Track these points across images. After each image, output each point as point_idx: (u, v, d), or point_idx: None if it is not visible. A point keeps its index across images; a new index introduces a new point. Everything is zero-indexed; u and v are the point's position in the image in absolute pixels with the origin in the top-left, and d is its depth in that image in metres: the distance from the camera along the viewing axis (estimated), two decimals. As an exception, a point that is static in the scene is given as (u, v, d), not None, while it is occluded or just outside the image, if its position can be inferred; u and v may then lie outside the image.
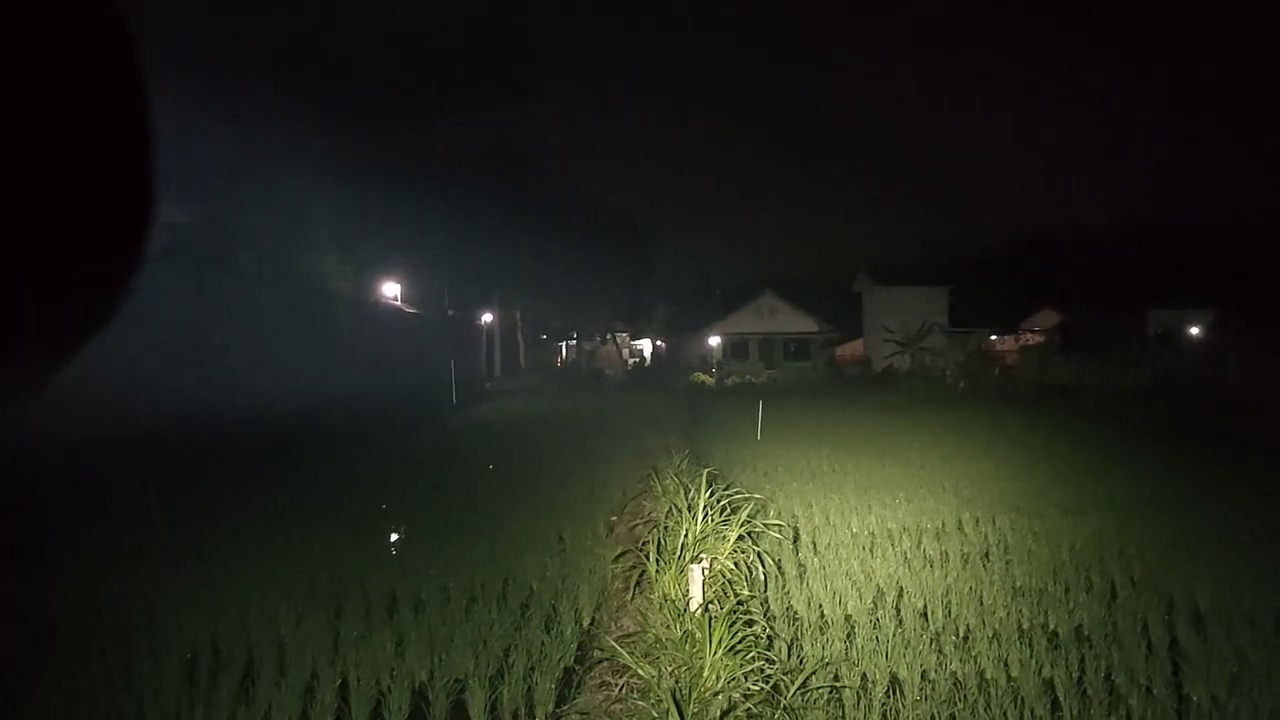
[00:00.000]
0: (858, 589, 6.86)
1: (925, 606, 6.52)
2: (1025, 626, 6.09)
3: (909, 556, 7.95)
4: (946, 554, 8.01)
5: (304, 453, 16.18)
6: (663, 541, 6.75)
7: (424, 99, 50.79)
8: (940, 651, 5.56)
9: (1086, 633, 5.92)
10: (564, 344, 76.58)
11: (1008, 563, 7.69)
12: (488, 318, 52.33)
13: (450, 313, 45.88)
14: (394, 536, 8.59)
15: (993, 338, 57.18)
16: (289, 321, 22.08)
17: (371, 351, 28.87)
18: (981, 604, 6.51)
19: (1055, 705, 4.84)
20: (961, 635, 5.93)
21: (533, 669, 5.05)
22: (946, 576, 7.19)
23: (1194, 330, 49.01)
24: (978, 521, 9.37)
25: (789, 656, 5.41)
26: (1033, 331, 56.76)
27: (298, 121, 42.19)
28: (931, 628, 6.05)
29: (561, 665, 5.17)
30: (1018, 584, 6.99)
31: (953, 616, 6.28)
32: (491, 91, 52.63)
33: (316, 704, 4.69)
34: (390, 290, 37.55)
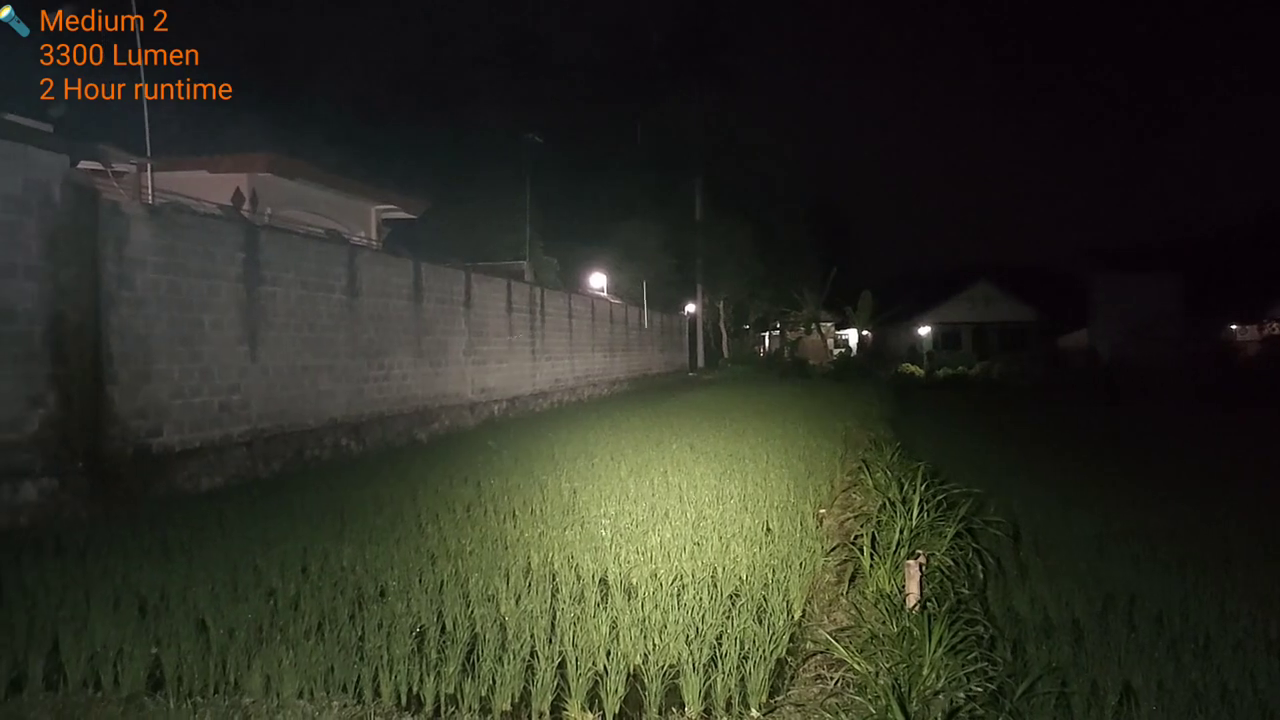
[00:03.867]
0: (1085, 591, 6.51)
1: (1161, 613, 6.11)
2: (1274, 636, 5.62)
3: (1140, 559, 7.49)
4: (1185, 558, 7.49)
5: (511, 439, 16.74)
6: (876, 536, 6.61)
7: (627, 90, 51.72)
8: (1178, 660, 5.20)
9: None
10: (766, 334, 76.11)
11: (1254, 567, 7.12)
12: (691, 308, 52.67)
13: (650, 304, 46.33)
14: (604, 522, 8.75)
15: (1233, 327, 53.07)
16: (500, 312, 22.89)
17: (578, 340, 29.61)
18: (1223, 611, 6.05)
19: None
20: (1201, 643, 5.53)
21: (745, 658, 5.03)
22: (1185, 580, 6.73)
23: None
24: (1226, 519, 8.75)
25: (1013, 659, 5.19)
26: (1280, 321, 52.06)
27: (504, 115, 43.79)
28: (1168, 634, 5.68)
29: (774, 657, 5.13)
30: (1266, 590, 6.47)
31: (1190, 623, 5.86)
32: (693, 80, 52.95)
33: (537, 681, 4.83)
34: (597, 281, 38.32)
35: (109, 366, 10.56)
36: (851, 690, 4.51)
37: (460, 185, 37.76)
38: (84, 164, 13.99)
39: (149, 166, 13.87)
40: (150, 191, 13.55)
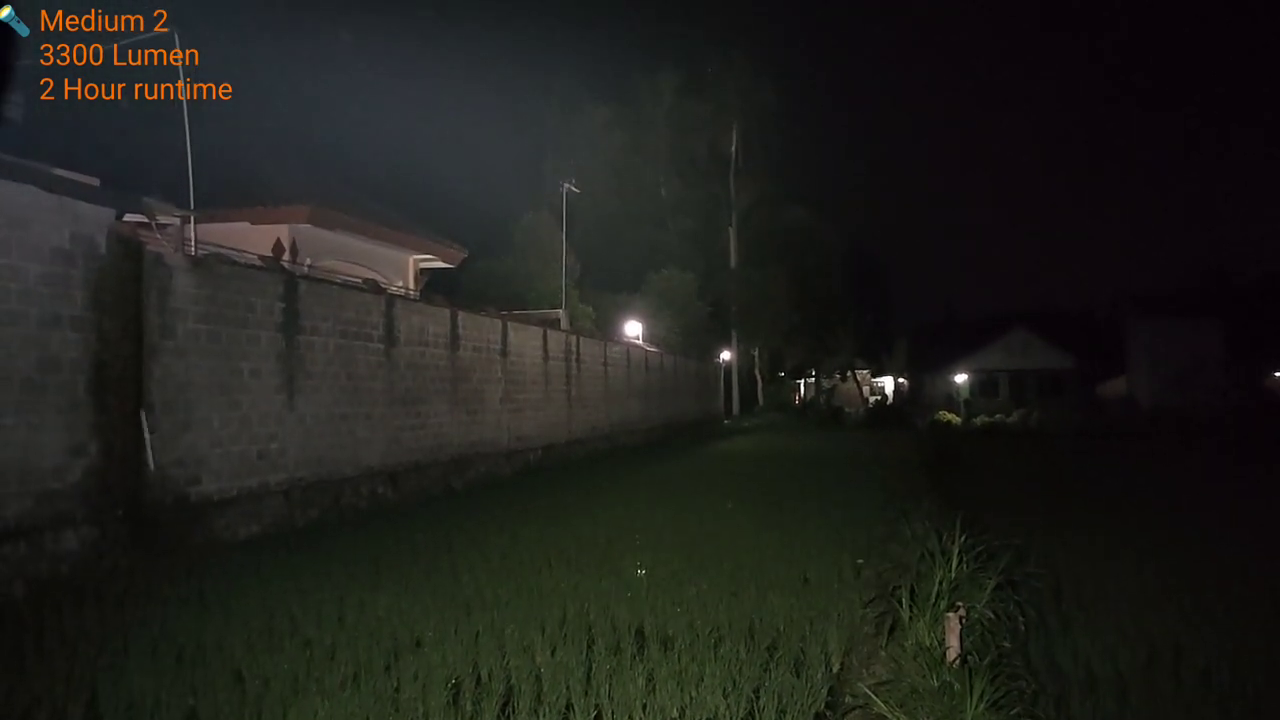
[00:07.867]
0: (1129, 645, 6.37)
1: (1208, 666, 5.97)
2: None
3: (1187, 611, 7.33)
4: (1233, 611, 7.31)
5: (546, 491, 16.72)
6: (914, 587, 6.53)
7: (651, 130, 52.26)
8: (1227, 716, 5.07)
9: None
10: (802, 381, 75.89)
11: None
12: (725, 355, 52.65)
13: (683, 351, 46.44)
14: (640, 572, 8.70)
15: (1277, 375, 52.25)
16: (536, 360, 22.98)
17: (614, 388, 29.64)
18: (1273, 665, 5.90)
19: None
20: (1251, 699, 5.39)
21: (783, 712, 4.96)
22: (1233, 634, 6.57)
23: None
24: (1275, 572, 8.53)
25: (1056, 714, 5.08)
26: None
27: (540, 161, 44.41)
28: (1216, 690, 5.54)
29: (812, 710, 5.05)
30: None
31: (1239, 679, 5.72)
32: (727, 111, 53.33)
33: (573, 735, 4.79)
34: (632, 329, 38.44)
35: (150, 415, 10.69)
36: (891, 746, 4.43)
37: (497, 234, 38.23)
38: (129, 216, 14.20)
39: (192, 219, 14.06)
40: (193, 243, 13.75)
